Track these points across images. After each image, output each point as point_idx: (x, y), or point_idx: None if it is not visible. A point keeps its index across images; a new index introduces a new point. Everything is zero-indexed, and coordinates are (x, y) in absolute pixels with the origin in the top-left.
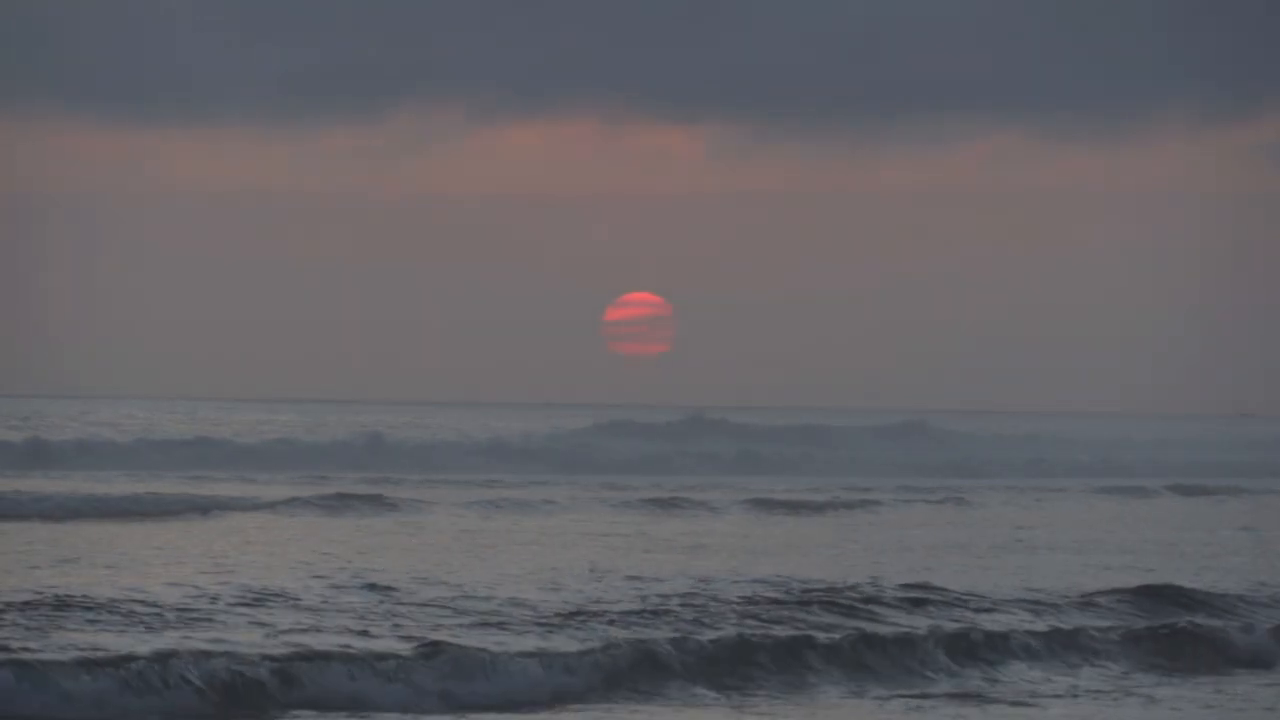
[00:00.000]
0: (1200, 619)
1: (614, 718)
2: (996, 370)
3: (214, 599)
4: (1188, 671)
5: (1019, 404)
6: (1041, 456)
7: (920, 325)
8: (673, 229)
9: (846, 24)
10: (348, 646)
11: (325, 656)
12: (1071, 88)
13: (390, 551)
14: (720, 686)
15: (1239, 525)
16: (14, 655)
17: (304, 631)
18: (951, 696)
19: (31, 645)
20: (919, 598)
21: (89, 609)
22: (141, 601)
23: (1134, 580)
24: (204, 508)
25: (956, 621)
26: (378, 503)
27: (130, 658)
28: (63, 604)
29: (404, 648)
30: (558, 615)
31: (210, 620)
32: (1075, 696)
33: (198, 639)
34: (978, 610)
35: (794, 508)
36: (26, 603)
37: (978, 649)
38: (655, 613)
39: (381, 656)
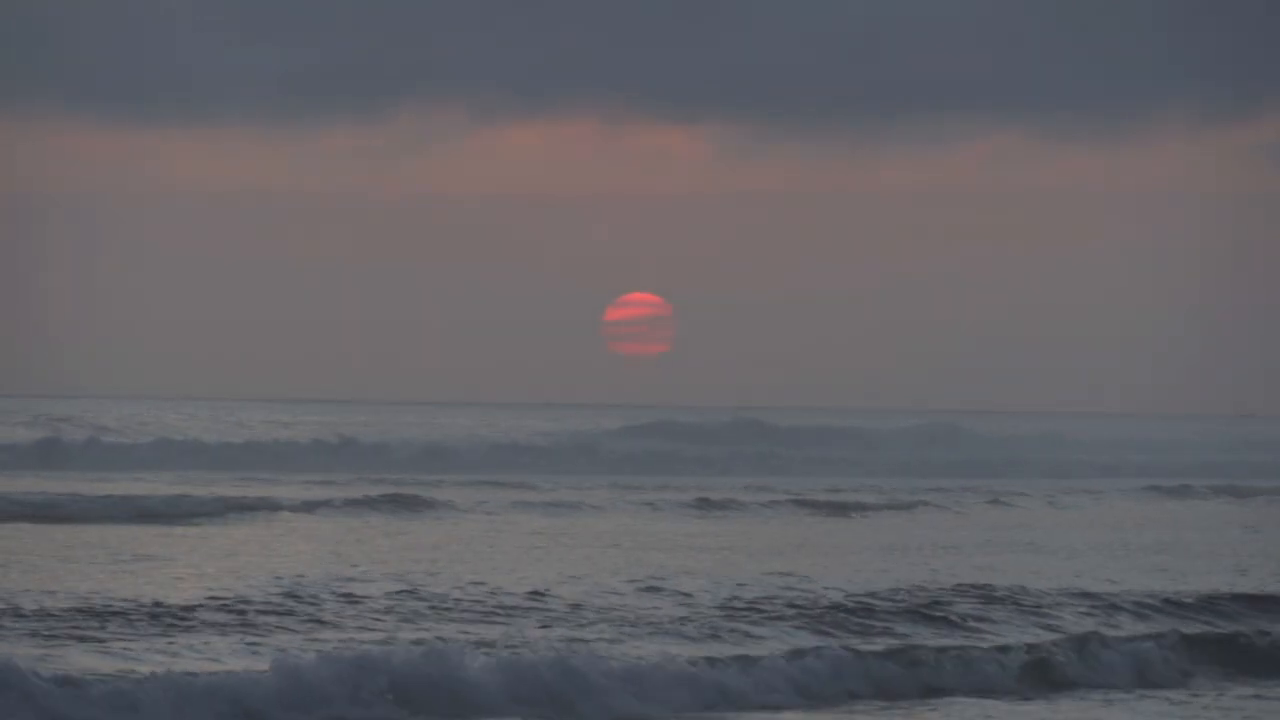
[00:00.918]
0: None
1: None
2: (997, 370)
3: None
4: None
5: (1019, 404)
6: (1070, 457)
7: (920, 325)
8: (673, 229)
9: (846, 24)
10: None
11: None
12: (1071, 88)
13: (516, 553)
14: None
15: None
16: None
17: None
18: None
19: None
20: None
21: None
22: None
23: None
24: (294, 506)
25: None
26: (444, 506)
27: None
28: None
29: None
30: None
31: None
32: None
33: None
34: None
35: (847, 509)
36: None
37: None
38: (824, 611)
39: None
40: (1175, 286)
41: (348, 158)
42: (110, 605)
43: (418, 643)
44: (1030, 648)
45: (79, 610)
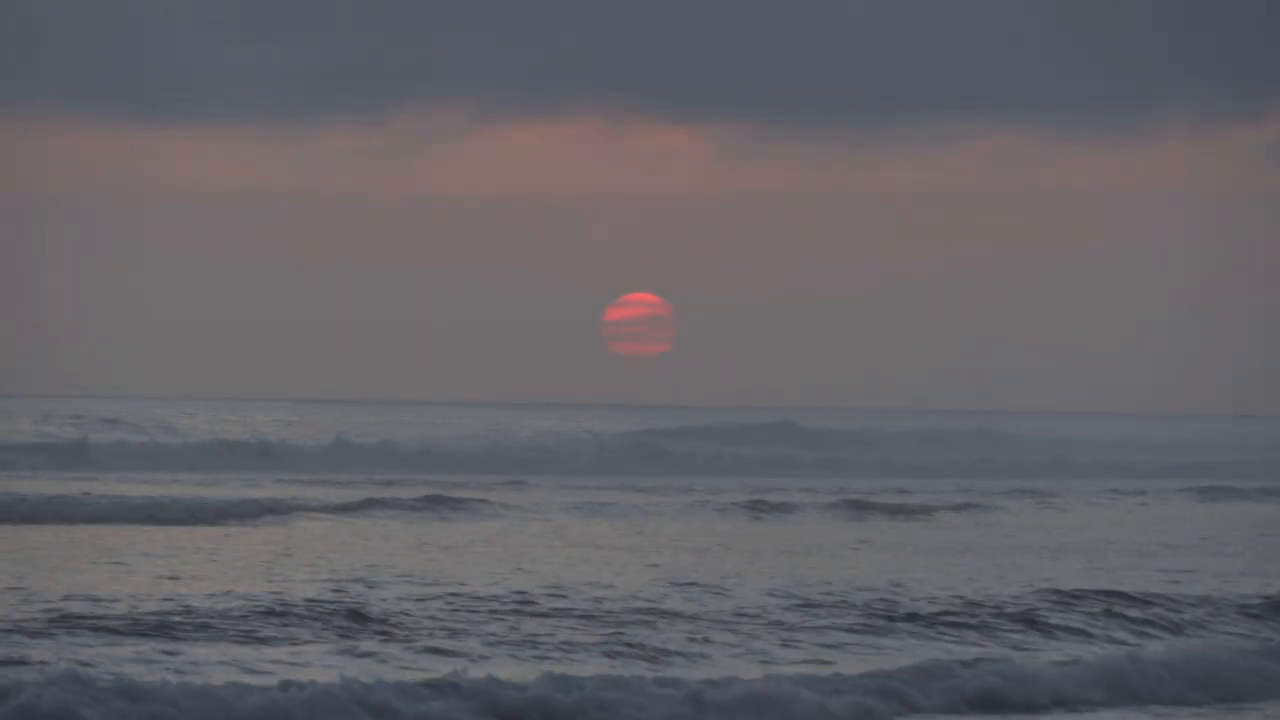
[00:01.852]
0: None
1: None
2: (998, 370)
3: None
4: None
5: (1020, 404)
6: (1104, 458)
7: (920, 325)
8: (673, 229)
9: (847, 24)
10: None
11: None
12: (1072, 88)
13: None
14: None
15: None
16: None
17: None
18: None
19: None
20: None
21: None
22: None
23: None
24: (356, 509)
25: None
26: (490, 506)
27: None
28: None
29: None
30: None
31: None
32: None
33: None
34: None
35: (900, 511)
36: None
37: None
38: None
39: None
40: (1176, 287)
41: (348, 158)
42: (292, 607)
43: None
44: None
45: (258, 612)
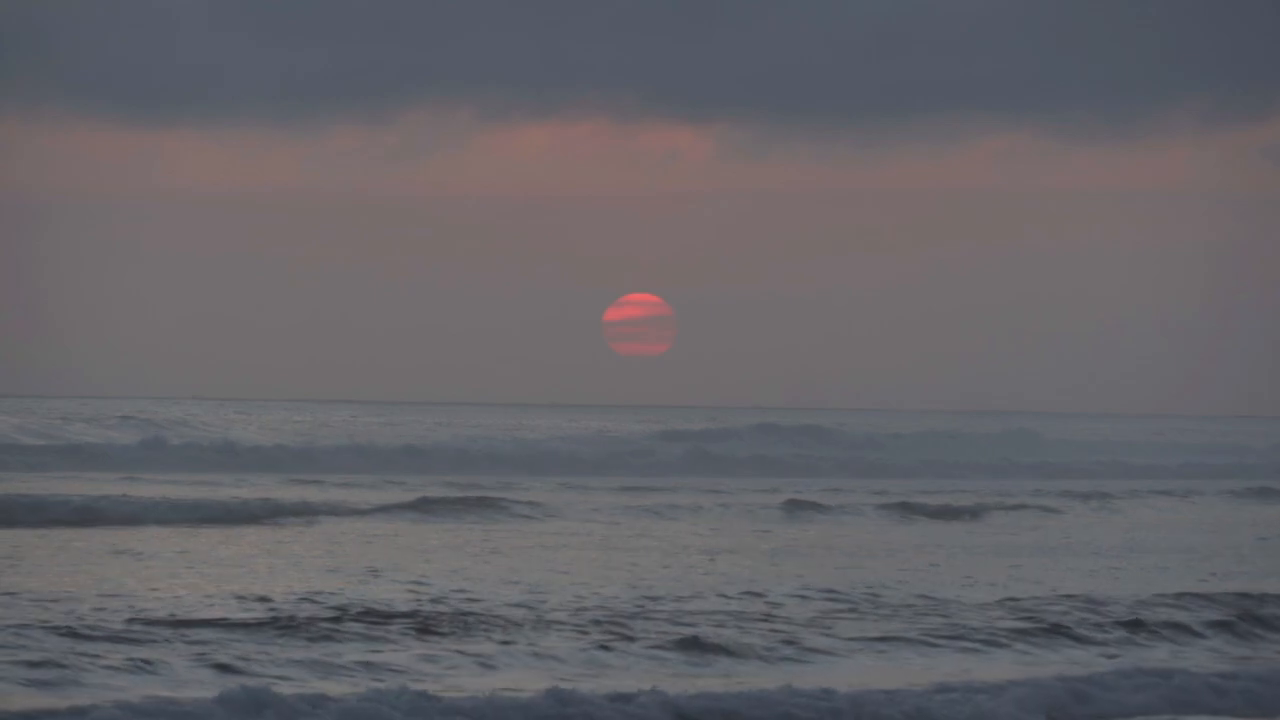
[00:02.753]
0: None
1: None
2: (1001, 370)
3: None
4: None
5: (1022, 404)
6: (1127, 458)
7: (930, 324)
8: (674, 229)
9: (855, 23)
10: None
11: None
12: (1083, 88)
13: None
14: None
15: None
16: None
17: None
18: None
19: None
20: None
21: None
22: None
23: None
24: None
25: None
26: (538, 509)
27: None
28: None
29: None
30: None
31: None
32: None
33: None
34: None
35: (946, 513)
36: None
37: None
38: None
39: None
40: (1184, 287)
41: (355, 159)
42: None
43: None
44: None
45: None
